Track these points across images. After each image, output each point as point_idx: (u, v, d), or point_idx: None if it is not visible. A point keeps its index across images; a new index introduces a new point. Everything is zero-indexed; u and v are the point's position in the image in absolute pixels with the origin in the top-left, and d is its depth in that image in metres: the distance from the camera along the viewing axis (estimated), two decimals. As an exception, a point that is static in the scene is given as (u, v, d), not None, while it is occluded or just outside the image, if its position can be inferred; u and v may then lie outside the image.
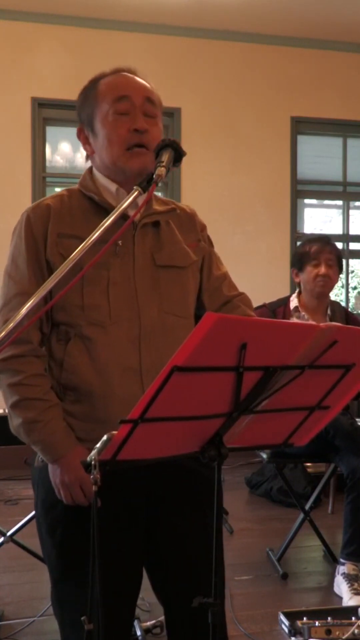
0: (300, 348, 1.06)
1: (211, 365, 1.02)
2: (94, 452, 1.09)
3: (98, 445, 1.08)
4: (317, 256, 3.08)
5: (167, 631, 1.59)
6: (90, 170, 1.59)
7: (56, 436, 1.43)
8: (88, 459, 1.09)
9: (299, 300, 3.18)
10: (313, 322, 1.07)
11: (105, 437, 1.08)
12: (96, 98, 1.52)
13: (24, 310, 1.21)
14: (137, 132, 1.47)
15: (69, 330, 1.46)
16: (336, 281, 3.18)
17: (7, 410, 1.47)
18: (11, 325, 1.20)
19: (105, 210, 1.45)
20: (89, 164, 1.61)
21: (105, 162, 1.52)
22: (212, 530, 1.47)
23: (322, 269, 3.07)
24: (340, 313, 3.21)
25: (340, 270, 3.17)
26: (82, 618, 1.18)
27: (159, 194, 6.08)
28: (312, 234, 5.64)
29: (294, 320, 3.06)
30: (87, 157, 1.60)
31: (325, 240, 3.15)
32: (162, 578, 1.55)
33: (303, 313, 3.15)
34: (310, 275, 3.09)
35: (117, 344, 1.45)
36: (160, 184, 1.39)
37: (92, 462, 1.08)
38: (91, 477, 1.09)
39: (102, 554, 1.16)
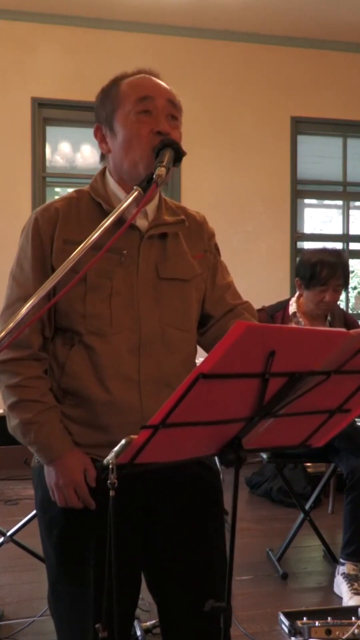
0: (328, 354, 1.05)
1: (237, 372, 1.01)
2: (111, 455, 1.08)
3: (116, 448, 1.07)
4: (326, 282, 2.97)
5: (162, 633, 1.59)
6: (102, 173, 1.57)
7: (52, 438, 1.43)
8: (105, 462, 1.08)
9: (298, 305, 3.14)
10: (342, 329, 1.07)
11: (123, 441, 1.06)
12: (117, 97, 1.50)
13: (23, 310, 1.21)
14: (160, 134, 1.44)
15: (73, 336, 1.46)
16: (339, 299, 3.11)
17: (5, 411, 1.48)
18: (11, 325, 1.20)
19: None
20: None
21: (121, 163, 1.49)
22: (212, 533, 1.47)
23: (328, 296, 2.99)
24: (340, 317, 3.18)
25: (346, 288, 3.09)
26: (97, 626, 1.18)
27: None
28: (314, 233, 5.64)
29: (293, 325, 3.03)
30: (101, 158, 1.58)
31: (337, 263, 2.99)
32: (161, 581, 1.54)
33: (300, 320, 3.10)
34: (315, 298, 3.02)
35: (116, 353, 1.44)
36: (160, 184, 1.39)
37: (110, 466, 1.07)
38: (108, 482, 1.09)
39: (101, 558, 1.15)
